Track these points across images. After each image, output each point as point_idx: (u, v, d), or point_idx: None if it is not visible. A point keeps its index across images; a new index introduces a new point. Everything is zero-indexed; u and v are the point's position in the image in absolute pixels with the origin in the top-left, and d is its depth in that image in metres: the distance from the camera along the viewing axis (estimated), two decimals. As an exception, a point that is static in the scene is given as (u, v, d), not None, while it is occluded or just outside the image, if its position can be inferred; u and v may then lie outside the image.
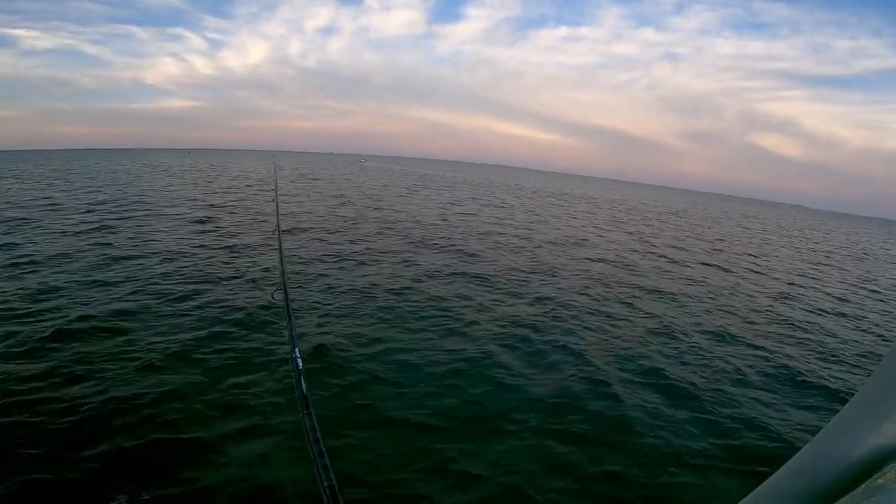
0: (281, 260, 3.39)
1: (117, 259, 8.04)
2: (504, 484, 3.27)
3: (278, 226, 4.25)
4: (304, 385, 1.79)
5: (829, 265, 17.33)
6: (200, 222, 12.39)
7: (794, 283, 12.07)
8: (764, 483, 0.76)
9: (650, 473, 3.55)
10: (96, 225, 11.07)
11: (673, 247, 15.86)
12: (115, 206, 14.23)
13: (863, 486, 0.59)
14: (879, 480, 0.58)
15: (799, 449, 0.75)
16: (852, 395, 0.70)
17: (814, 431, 0.70)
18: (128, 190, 19.57)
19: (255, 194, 20.35)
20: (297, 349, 2.04)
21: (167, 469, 3.06)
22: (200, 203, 16.27)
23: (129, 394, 3.87)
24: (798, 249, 21.83)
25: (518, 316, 6.67)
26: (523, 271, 9.64)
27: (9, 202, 14.50)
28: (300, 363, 1.94)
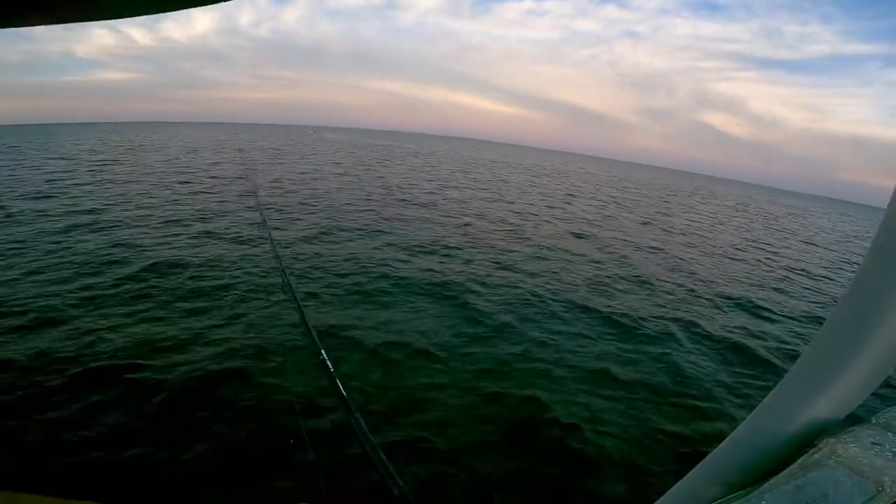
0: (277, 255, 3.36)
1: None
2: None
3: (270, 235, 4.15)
4: (341, 387, 1.68)
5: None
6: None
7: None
8: (704, 459, 0.78)
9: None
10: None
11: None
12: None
13: (799, 460, 0.61)
14: (815, 455, 0.60)
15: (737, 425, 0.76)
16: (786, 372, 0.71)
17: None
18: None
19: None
20: (322, 350, 1.93)
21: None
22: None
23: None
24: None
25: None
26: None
27: None
28: (330, 365, 1.83)
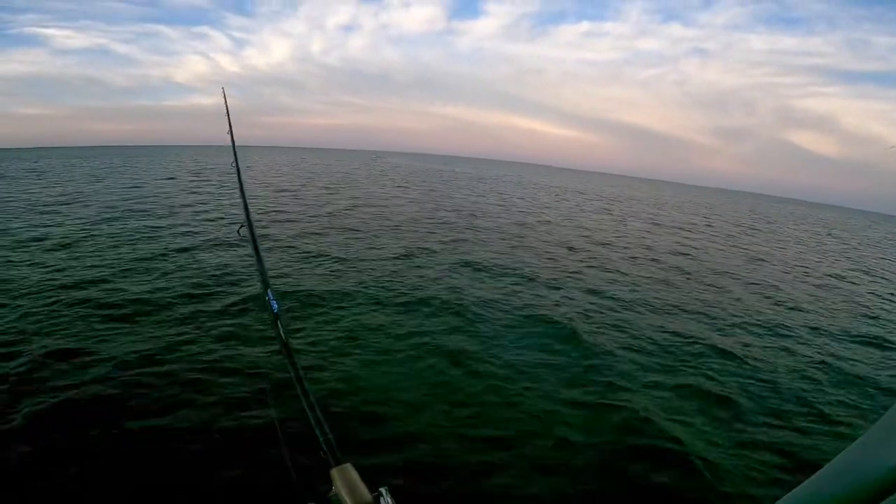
0: (242, 194, 2.69)
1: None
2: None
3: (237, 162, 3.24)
4: (282, 330, 1.63)
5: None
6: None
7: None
8: (788, 494, 0.75)
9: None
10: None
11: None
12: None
13: (891, 497, 0.58)
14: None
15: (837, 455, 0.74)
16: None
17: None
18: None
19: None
20: (269, 290, 1.76)
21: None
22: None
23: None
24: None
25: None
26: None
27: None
28: (275, 305, 1.72)
